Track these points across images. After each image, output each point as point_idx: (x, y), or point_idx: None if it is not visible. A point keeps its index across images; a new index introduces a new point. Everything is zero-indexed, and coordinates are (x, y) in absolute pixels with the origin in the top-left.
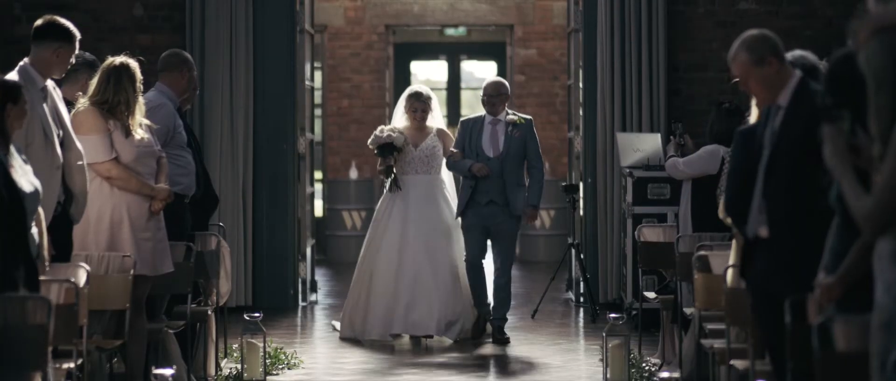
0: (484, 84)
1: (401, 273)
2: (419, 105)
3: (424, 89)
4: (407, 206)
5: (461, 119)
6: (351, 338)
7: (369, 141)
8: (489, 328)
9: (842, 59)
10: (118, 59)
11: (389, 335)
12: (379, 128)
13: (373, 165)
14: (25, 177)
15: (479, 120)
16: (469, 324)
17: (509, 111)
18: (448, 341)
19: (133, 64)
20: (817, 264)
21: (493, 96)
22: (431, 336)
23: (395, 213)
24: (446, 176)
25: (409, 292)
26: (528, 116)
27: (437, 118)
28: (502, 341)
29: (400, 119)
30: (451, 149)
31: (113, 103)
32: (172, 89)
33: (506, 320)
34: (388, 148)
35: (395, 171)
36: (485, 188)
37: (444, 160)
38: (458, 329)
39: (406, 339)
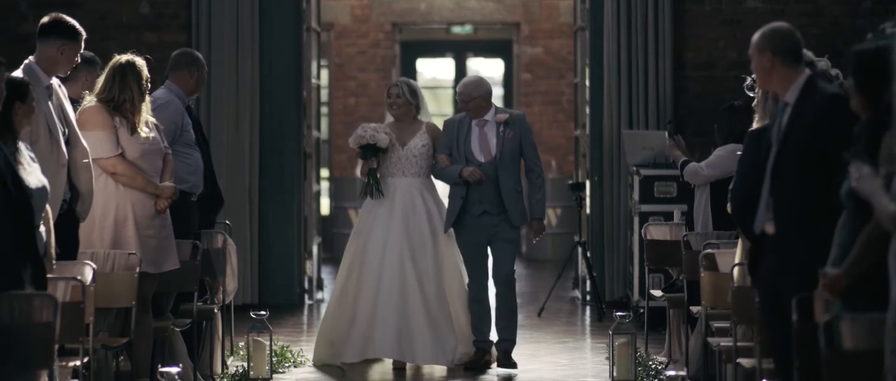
0: (459, 86)
1: (385, 291)
2: (394, 90)
3: (403, 79)
4: (392, 213)
5: (444, 121)
6: (327, 365)
7: (351, 140)
8: (494, 351)
9: (870, 52)
10: (124, 58)
11: (367, 358)
12: (362, 126)
13: None
14: (33, 174)
15: (466, 121)
16: (464, 347)
17: (498, 108)
18: (439, 369)
19: (139, 62)
20: (825, 262)
21: (469, 100)
22: (419, 365)
23: (379, 222)
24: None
25: (394, 312)
26: (520, 112)
27: (425, 113)
28: (509, 365)
29: (388, 116)
30: (437, 155)
31: (119, 101)
32: (181, 88)
33: (514, 343)
34: (371, 149)
35: (378, 175)
36: (477, 197)
37: (431, 167)
38: (451, 353)
39: (387, 363)
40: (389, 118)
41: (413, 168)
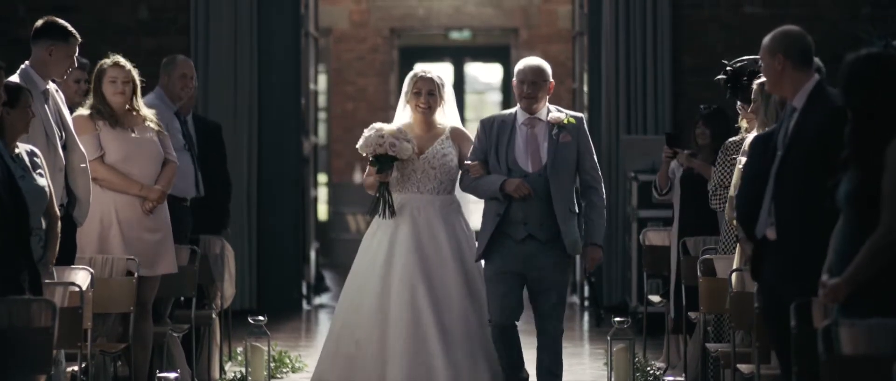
0: (519, 67)
1: (393, 334)
2: (425, 87)
3: (433, 71)
4: (406, 238)
5: (481, 119)
6: None
7: (360, 144)
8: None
9: (857, 61)
10: (101, 62)
11: None
12: (374, 127)
13: None
14: (26, 179)
15: (509, 119)
16: None
17: (551, 107)
18: None
19: (107, 63)
20: (823, 268)
21: (534, 84)
22: None
23: (389, 247)
24: (462, 196)
25: (406, 360)
26: (580, 114)
27: (450, 113)
28: None
29: (402, 113)
30: (467, 161)
31: (97, 104)
32: (165, 91)
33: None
34: (389, 161)
35: (390, 191)
36: (521, 217)
37: (458, 177)
38: None
39: None
40: (403, 118)
41: (430, 183)
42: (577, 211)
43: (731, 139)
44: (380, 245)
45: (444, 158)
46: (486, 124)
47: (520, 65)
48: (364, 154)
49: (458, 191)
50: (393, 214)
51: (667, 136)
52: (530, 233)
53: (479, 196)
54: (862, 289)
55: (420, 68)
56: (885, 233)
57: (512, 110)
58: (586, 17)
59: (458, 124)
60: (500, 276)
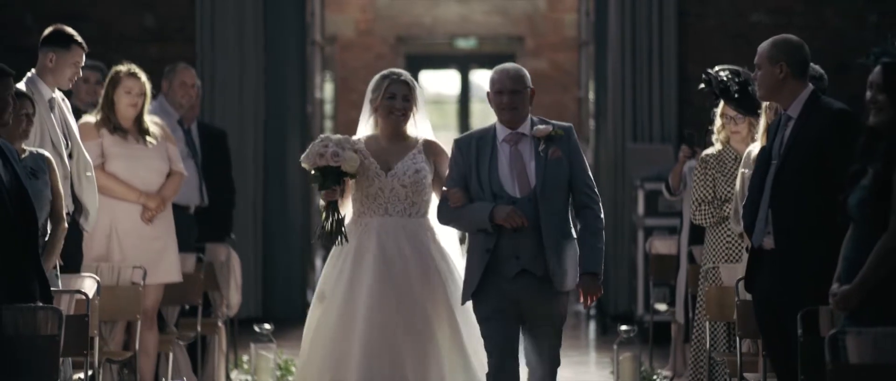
0: (493, 76)
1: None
2: (401, 91)
3: (404, 73)
4: (373, 268)
5: (455, 139)
6: None
7: (304, 158)
8: None
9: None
10: (117, 69)
11: None
12: (321, 136)
13: None
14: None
15: (487, 136)
16: None
17: (536, 119)
18: None
19: (123, 71)
20: (821, 277)
21: (514, 92)
22: None
23: (354, 279)
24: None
25: None
26: (567, 124)
27: (421, 123)
28: None
29: (367, 123)
30: (445, 189)
31: (106, 113)
32: (166, 99)
33: None
34: (332, 174)
35: (341, 213)
36: (512, 250)
37: (437, 208)
38: None
39: None
40: (366, 130)
41: (400, 204)
42: (573, 236)
43: (707, 152)
44: (342, 276)
45: (417, 175)
46: (462, 145)
47: (494, 73)
48: (307, 167)
49: (435, 221)
50: (345, 239)
51: (686, 135)
52: (524, 267)
53: (463, 229)
54: (868, 297)
55: (389, 70)
56: (892, 237)
57: (489, 126)
58: (592, 25)
59: (432, 136)
60: (496, 319)
